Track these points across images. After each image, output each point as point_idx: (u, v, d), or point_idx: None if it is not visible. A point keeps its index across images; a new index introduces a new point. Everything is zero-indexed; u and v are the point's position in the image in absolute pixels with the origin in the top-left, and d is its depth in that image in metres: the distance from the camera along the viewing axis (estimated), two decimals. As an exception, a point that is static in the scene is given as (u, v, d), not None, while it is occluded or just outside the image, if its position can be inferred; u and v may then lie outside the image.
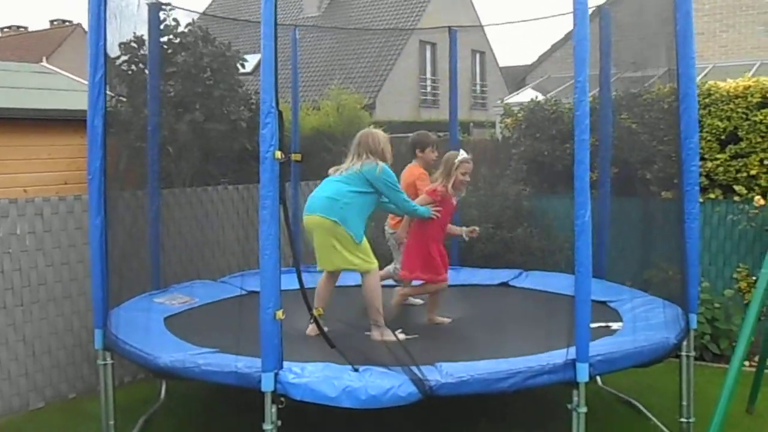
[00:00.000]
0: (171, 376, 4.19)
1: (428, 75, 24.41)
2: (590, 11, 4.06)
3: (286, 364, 3.75)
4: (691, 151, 4.73)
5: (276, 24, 3.60)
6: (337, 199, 4.84)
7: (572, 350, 3.80)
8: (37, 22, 74.39)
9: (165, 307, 5.50)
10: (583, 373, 3.74)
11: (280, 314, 3.60)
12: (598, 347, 3.97)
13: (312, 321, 4.48)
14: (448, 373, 3.70)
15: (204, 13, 13.43)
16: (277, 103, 3.60)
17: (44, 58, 13.01)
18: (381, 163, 4.98)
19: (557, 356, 3.87)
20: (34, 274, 5.63)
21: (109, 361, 4.67)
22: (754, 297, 4.37)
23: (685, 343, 4.61)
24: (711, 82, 7.37)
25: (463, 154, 5.43)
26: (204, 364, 3.95)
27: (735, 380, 3.98)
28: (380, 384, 3.61)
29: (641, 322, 4.59)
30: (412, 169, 6.07)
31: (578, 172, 3.72)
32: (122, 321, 4.70)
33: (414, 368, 3.78)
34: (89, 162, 4.55)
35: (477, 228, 5.77)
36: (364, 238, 4.96)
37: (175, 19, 7.42)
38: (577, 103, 3.68)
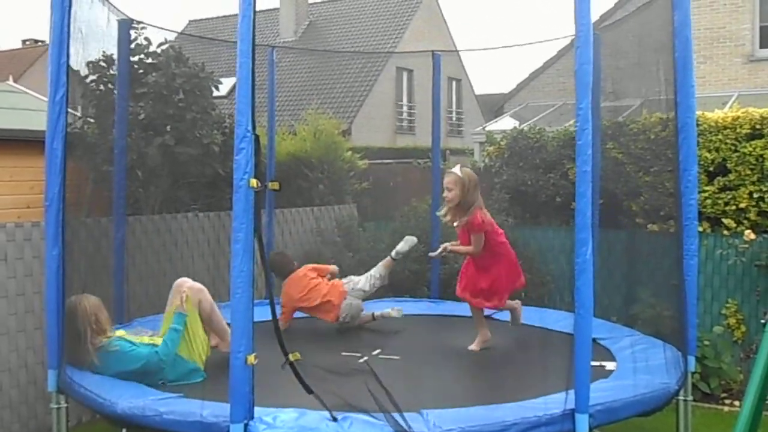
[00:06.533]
0: (129, 425, 3.83)
1: (405, 101, 24.30)
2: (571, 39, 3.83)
3: (257, 410, 3.41)
4: (690, 184, 4.53)
5: (254, 41, 3.32)
6: None
7: (570, 397, 3.51)
8: (9, 41, 73.62)
9: (127, 344, 5.11)
10: (582, 425, 3.45)
11: (252, 359, 3.26)
12: (598, 395, 3.68)
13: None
14: (435, 424, 3.38)
15: (180, 33, 13.13)
16: (254, 127, 3.30)
17: (10, 77, 12.58)
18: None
19: (553, 403, 3.58)
20: (-14, 306, 5.23)
21: (63, 404, 4.29)
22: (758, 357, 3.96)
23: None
24: (698, 113, 7.22)
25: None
26: (166, 411, 3.60)
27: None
28: (362, 437, 3.29)
29: (640, 364, 4.32)
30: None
31: (579, 206, 3.45)
32: (79, 360, 4.32)
33: (398, 416, 3.47)
34: (47, 188, 4.20)
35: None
36: None
37: (146, 38, 7.11)
38: (579, 132, 3.43)
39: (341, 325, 6.04)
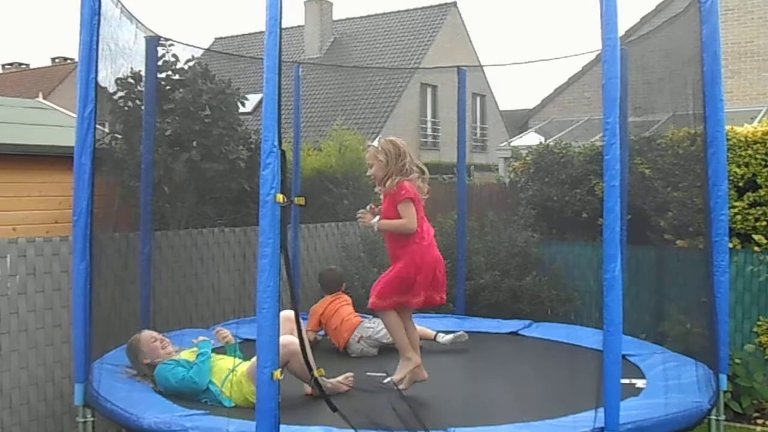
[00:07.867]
0: (156, 439, 3.83)
1: (429, 117, 24.31)
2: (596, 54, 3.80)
3: (283, 428, 3.39)
4: (720, 199, 4.45)
5: (280, 56, 3.33)
6: None
7: (600, 415, 3.45)
8: (39, 59, 74.91)
9: (153, 359, 5.13)
10: (613, 444, 3.39)
11: (278, 374, 3.25)
12: (629, 413, 3.61)
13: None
14: (463, 441, 3.34)
15: (207, 49, 13.27)
16: (280, 143, 3.31)
17: (40, 94, 12.79)
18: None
19: (583, 421, 3.52)
20: (14, 319, 5.24)
21: (89, 418, 4.30)
22: None
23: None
24: (728, 127, 7.12)
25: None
26: (192, 427, 3.60)
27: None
28: (388, 455, 3.25)
29: (671, 382, 4.24)
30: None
31: (608, 221, 3.41)
32: (105, 375, 4.36)
33: (424, 434, 3.43)
34: (75, 202, 4.24)
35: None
36: None
37: (174, 55, 7.19)
38: (606, 147, 3.38)
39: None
